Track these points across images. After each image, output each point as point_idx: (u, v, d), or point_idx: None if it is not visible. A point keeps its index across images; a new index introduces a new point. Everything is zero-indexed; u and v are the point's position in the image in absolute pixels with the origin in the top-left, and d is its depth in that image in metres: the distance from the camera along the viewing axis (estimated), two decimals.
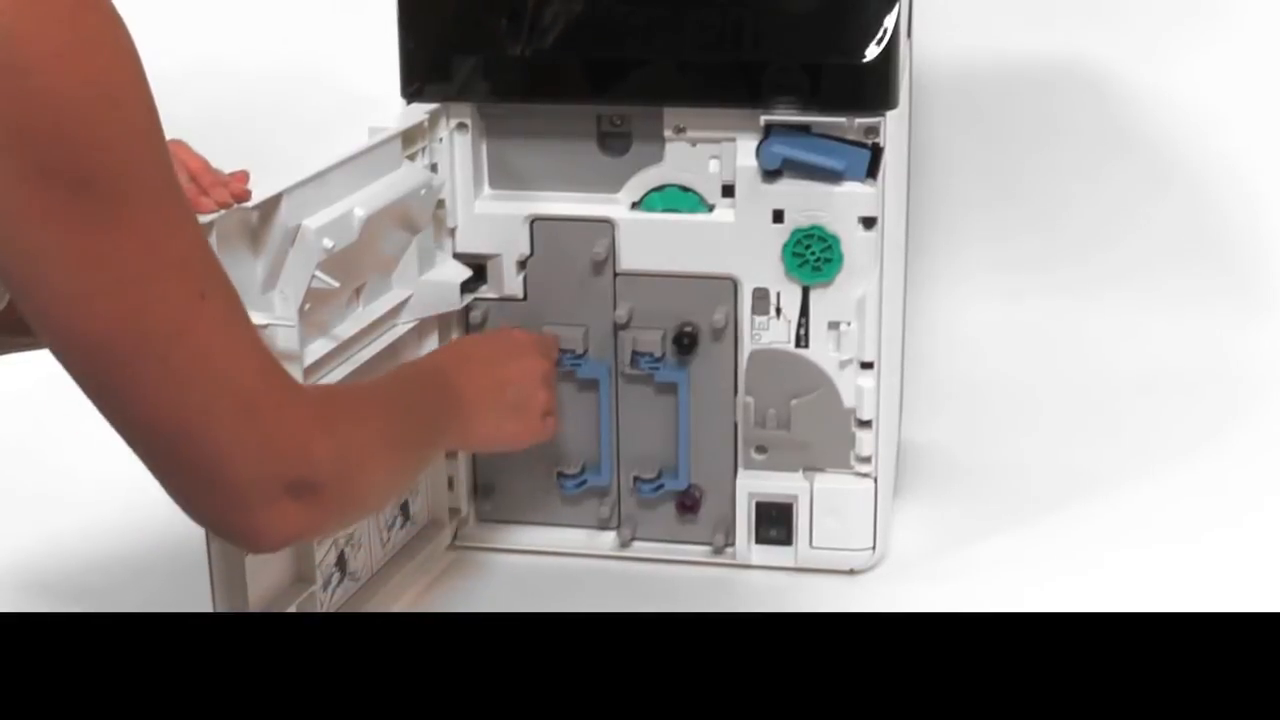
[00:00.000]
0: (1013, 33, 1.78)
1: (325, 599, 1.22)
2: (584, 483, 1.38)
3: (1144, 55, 1.77)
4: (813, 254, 1.28)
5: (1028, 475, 1.52)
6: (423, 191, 1.26)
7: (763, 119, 1.26)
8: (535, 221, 1.33)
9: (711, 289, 1.31)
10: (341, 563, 1.24)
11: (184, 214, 0.89)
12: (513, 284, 1.34)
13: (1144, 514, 1.44)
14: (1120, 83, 1.78)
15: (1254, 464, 1.53)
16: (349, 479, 0.97)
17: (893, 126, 1.25)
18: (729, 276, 1.31)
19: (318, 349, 1.18)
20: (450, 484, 1.38)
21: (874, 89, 1.24)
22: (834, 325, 1.30)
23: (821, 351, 1.31)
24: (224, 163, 1.10)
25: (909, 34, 1.33)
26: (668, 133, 1.30)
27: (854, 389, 1.31)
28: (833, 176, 1.26)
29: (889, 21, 1.23)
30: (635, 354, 1.33)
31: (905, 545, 1.39)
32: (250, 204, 1.08)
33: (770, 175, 1.27)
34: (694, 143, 1.30)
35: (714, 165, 1.30)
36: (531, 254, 1.33)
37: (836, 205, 1.27)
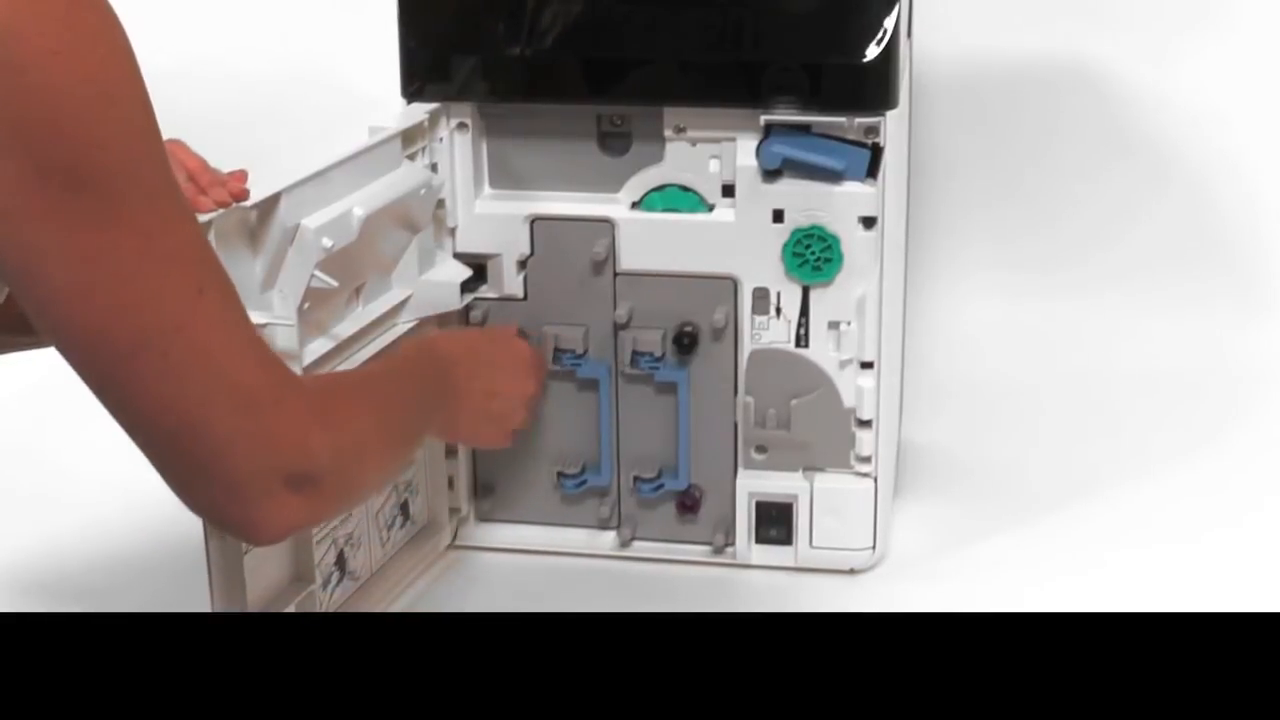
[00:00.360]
0: (1013, 33, 1.78)
1: (324, 598, 1.22)
2: (584, 483, 1.38)
3: (1144, 55, 1.77)
4: (813, 254, 1.28)
5: (1028, 475, 1.52)
6: (423, 191, 1.26)
7: (763, 119, 1.26)
8: (535, 221, 1.33)
9: (711, 289, 1.31)
10: (341, 562, 1.24)
11: (181, 210, 0.90)
12: (513, 284, 1.34)
13: (1144, 514, 1.44)
14: (1120, 83, 1.77)
15: (1254, 464, 1.53)
16: (346, 470, 0.98)
17: (893, 126, 1.25)
18: (729, 276, 1.31)
19: (317, 348, 1.18)
20: (450, 484, 1.38)
21: (874, 89, 1.24)
22: (834, 325, 1.30)
23: (821, 351, 1.31)
24: (224, 162, 1.10)
25: (909, 34, 1.33)
26: (668, 133, 1.30)
27: (854, 389, 1.31)
28: (833, 176, 1.26)
29: (889, 21, 1.23)
30: (635, 354, 1.33)
31: (905, 545, 1.39)
32: (249, 203, 1.08)
33: (770, 175, 1.27)
34: (694, 143, 1.30)
35: (714, 165, 1.30)
36: (531, 254, 1.33)
37: (836, 205, 1.27)
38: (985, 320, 1.80)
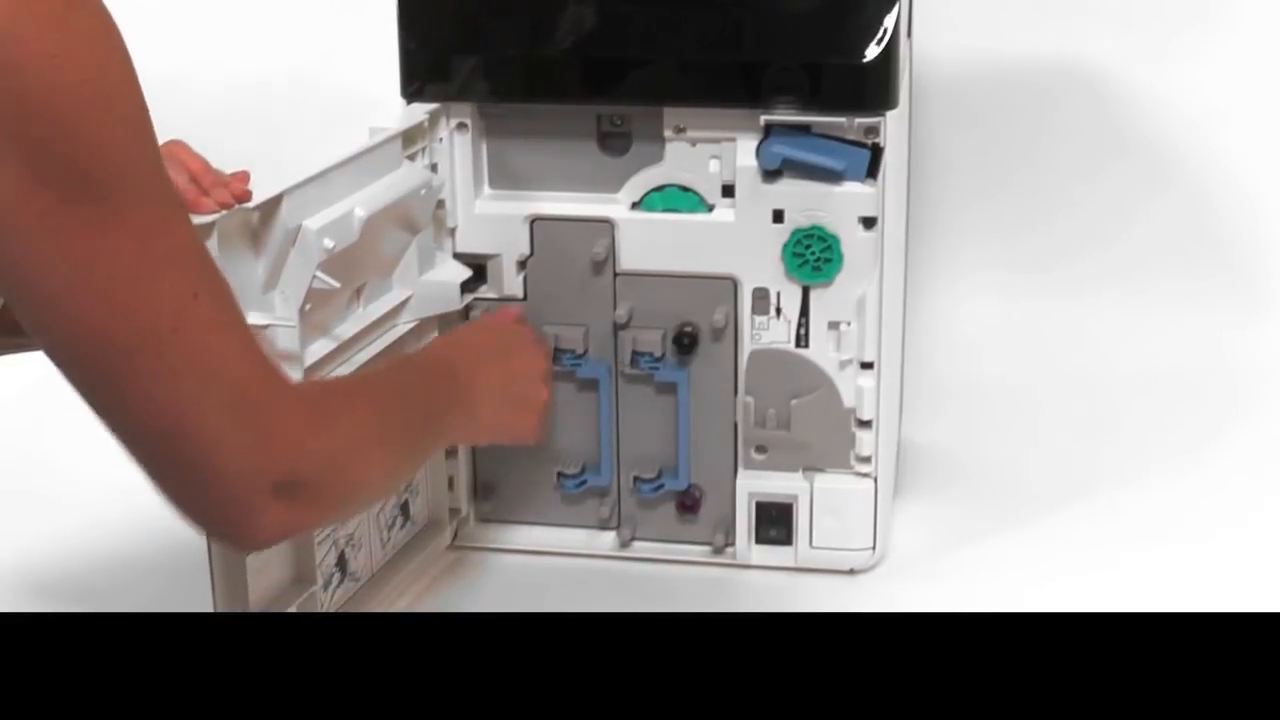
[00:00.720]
0: (1013, 33, 1.78)
1: (325, 599, 1.22)
2: (584, 483, 1.38)
3: (1143, 55, 1.77)
4: (813, 254, 1.28)
5: (1028, 475, 1.52)
6: (423, 191, 1.26)
7: (763, 119, 1.26)
8: (535, 221, 1.33)
9: (711, 289, 1.31)
10: (341, 563, 1.25)
11: (177, 213, 0.89)
12: (513, 284, 1.34)
13: (1143, 514, 1.44)
14: (1119, 83, 1.78)
15: (1254, 463, 1.53)
16: (342, 476, 0.97)
17: (893, 126, 1.25)
18: (729, 276, 1.31)
19: (318, 349, 1.18)
20: (450, 484, 1.38)
21: (874, 89, 1.24)
22: (834, 325, 1.30)
23: (821, 351, 1.31)
24: (224, 163, 1.10)
25: (909, 34, 1.33)
26: (668, 133, 1.30)
27: (854, 389, 1.32)
28: (833, 176, 1.26)
29: (889, 21, 1.23)
30: (635, 354, 1.33)
31: (905, 545, 1.39)
32: (251, 204, 1.08)
33: (770, 175, 1.28)
34: (694, 143, 1.30)
35: (714, 165, 1.30)
36: (531, 254, 1.33)
37: (836, 205, 1.27)
38: (985, 320, 1.80)
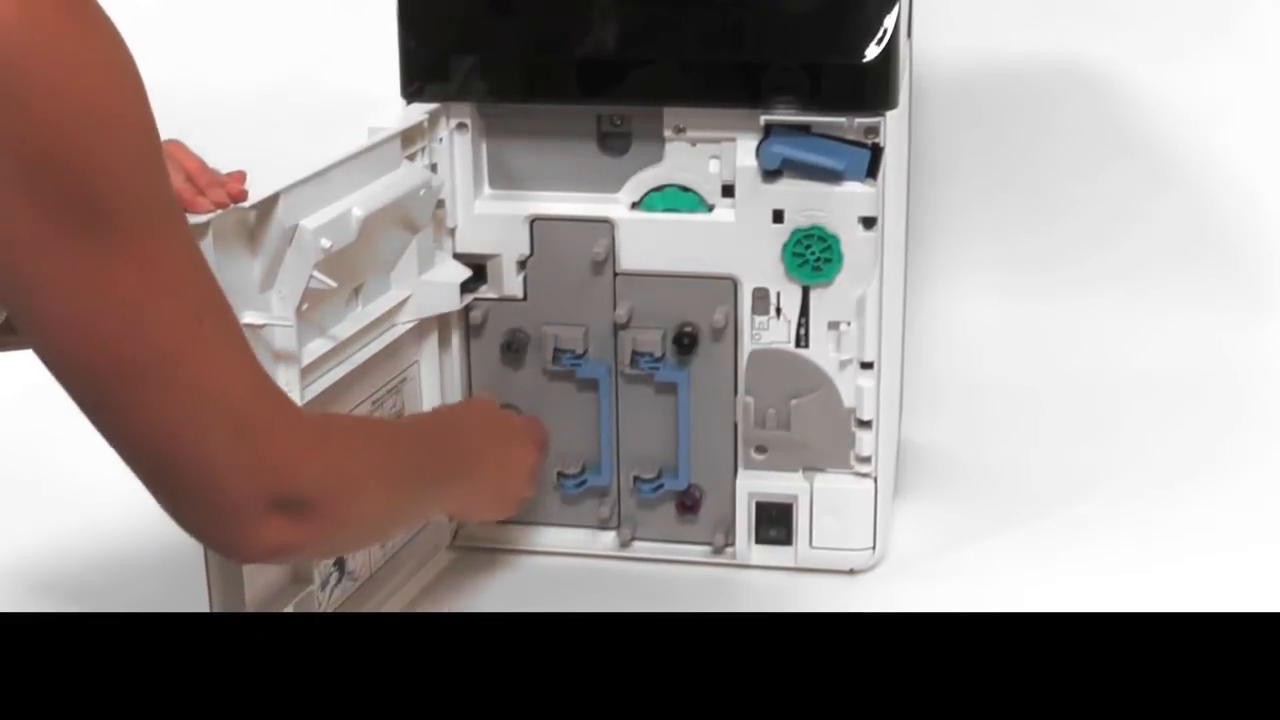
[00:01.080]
0: (1013, 33, 1.77)
1: (323, 599, 1.22)
2: (584, 483, 1.38)
3: (1144, 55, 1.77)
4: (813, 254, 1.28)
5: (1028, 475, 1.51)
6: (422, 191, 1.26)
7: (763, 119, 1.26)
8: (535, 221, 1.33)
9: (711, 289, 1.31)
10: (340, 562, 1.24)
11: (183, 238, 0.90)
12: (513, 284, 1.34)
13: (1143, 514, 1.44)
14: (1120, 83, 1.77)
15: (1254, 464, 1.53)
16: (340, 500, 0.97)
17: (893, 126, 1.25)
18: (729, 276, 1.31)
19: (315, 349, 1.18)
20: None
21: (874, 89, 1.24)
22: (834, 325, 1.30)
23: (821, 351, 1.31)
24: (224, 163, 1.10)
25: (909, 34, 1.33)
26: (668, 133, 1.30)
27: (854, 389, 1.31)
28: (833, 176, 1.26)
29: (889, 21, 1.23)
30: (635, 354, 1.33)
31: (905, 545, 1.39)
32: (247, 204, 1.08)
33: (770, 175, 1.27)
34: (694, 143, 1.30)
35: (714, 165, 1.30)
36: (531, 254, 1.33)
37: (836, 205, 1.27)
38: (985, 320, 1.80)
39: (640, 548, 1.38)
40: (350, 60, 1.78)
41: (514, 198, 1.33)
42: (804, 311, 1.30)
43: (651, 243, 1.31)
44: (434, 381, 1.35)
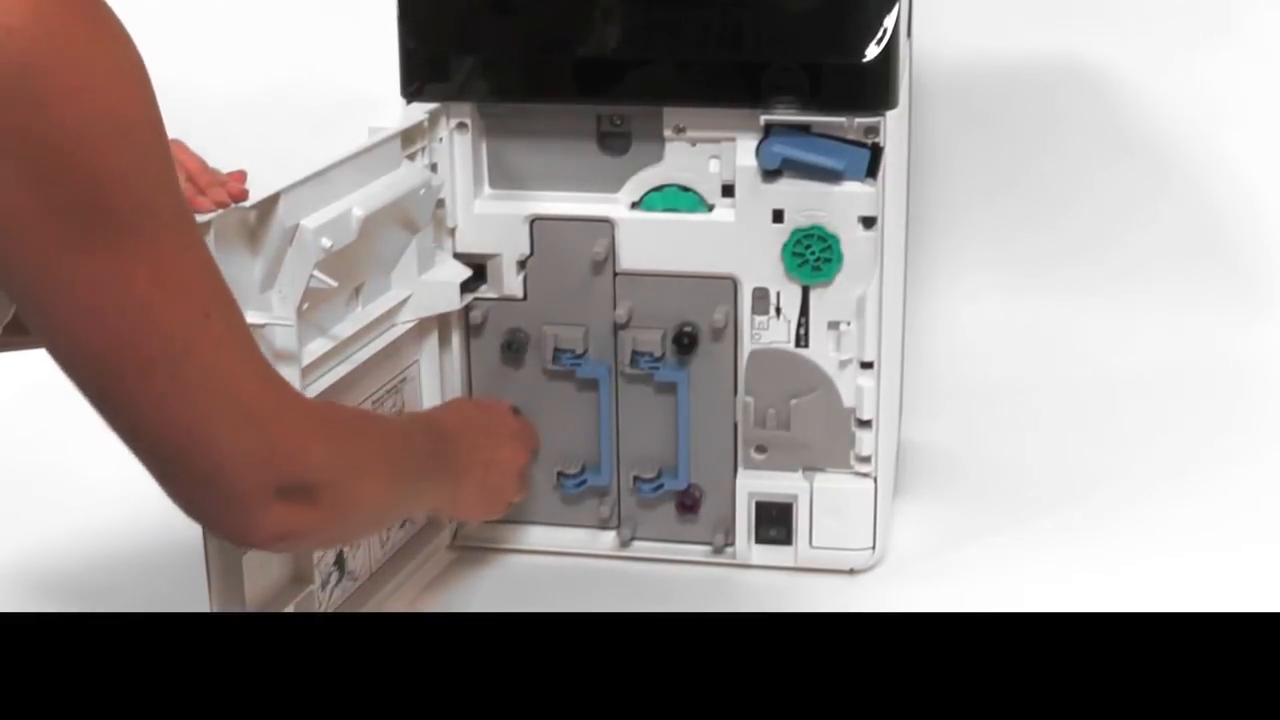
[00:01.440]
0: (1013, 33, 1.77)
1: (324, 599, 1.22)
2: (584, 483, 1.38)
3: (1144, 55, 1.77)
4: (813, 254, 1.28)
5: (1028, 475, 1.51)
6: (422, 191, 1.26)
7: (763, 119, 1.26)
8: (535, 221, 1.33)
9: (711, 289, 1.31)
10: (340, 562, 1.24)
11: (191, 236, 0.92)
12: (513, 284, 1.34)
13: (1143, 513, 1.44)
14: (1120, 83, 1.77)
15: (1254, 464, 1.53)
16: (344, 486, 1.00)
17: (893, 126, 1.25)
18: (729, 276, 1.31)
19: (316, 349, 1.18)
20: None
21: (874, 89, 1.24)
22: (834, 325, 1.30)
23: (821, 351, 1.31)
24: (225, 163, 1.10)
25: (909, 34, 1.33)
26: (668, 133, 1.30)
27: (854, 389, 1.31)
28: (832, 176, 1.26)
29: (889, 21, 1.23)
30: (635, 354, 1.33)
31: (905, 545, 1.39)
32: (248, 203, 1.08)
33: (770, 175, 1.27)
34: (694, 143, 1.30)
35: (714, 165, 1.30)
36: (531, 254, 1.33)
37: (836, 205, 1.27)
38: (985, 320, 1.80)
39: (640, 548, 1.38)
40: (350, 60, 1.78)
41: (514, 198, 1.33)
42: (804, 311, 1.30)
43: (651, 242, 1.31)
44: (434, 381, 1.35)
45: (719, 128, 1.28)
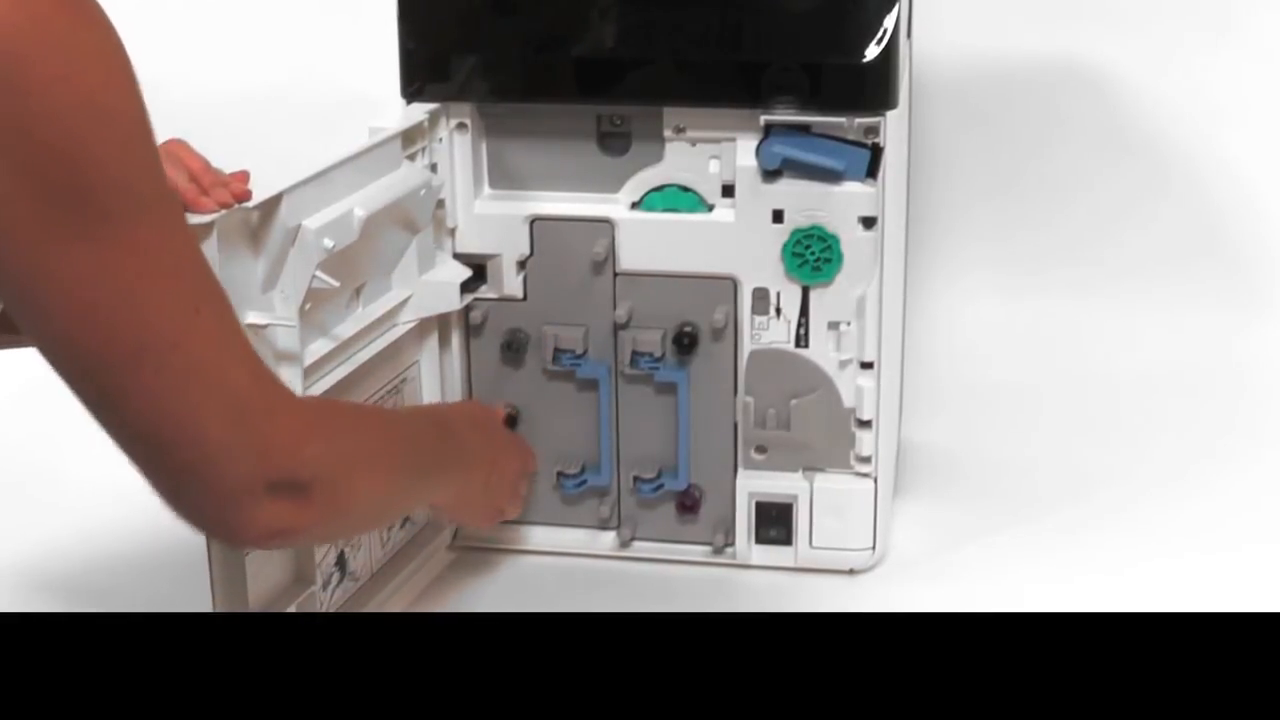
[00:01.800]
0: (1013, 33, 1.78)
1: (325, 599, 1.22)
2: (584, 483, 1.38)
3: (1144, 55, 1.77)
4: (813, 254, 1.28)
5: (1028, 475, 1.52)
6: (422, 191, 1.26)
7: (763, 119, 1.26)
8: (535, 221, 1.33)
9: (711, 289, 1.31)
10: (341, 563, 1.24)
11: (178, 226, 0.90)
12: (513, 284, 1.34)
13: (1144, 514, 1.44)
14: (1120, 83, 1.77)
15: (1254, 464, 1.53)
16: (338, 484, 0.98)
17: (893, 126, 1.25)
18: (729, 276, 1.31)
19: (318, 349, 1.18)
20: None
21: (874, 89, 1.24)
22: (834, 325, 1.30)
23: (821, 351, 1.31)
24: (224, 163, 1.10)
25: (909, 34, 1.33)
26: (668, 133, 1.30)
27: (854, 389, 1.31)
28: (832, 176, 1.26)
29: (889, 21, 1.23)
30: (635, 354, 1.33)
31: (905, 545, 1.39)
32: (250, 204, 1.08)
33: (770, 175, 1.27)
34: (694, 143, 1.30)
35: (714, 165, 1.30)
36: (531, 254, 1.33)
37: (836, 205, 1.27)
38: (985, 320, 1.80)
39: (640, 548, 1.38)
40: (350, 60, 1.78)
41: (514, 198, 1.33)
42: (804, 311, 1.30)
43: (651, 242, 1.31)
44: (434, 382, 1.35)
45: (719, 128, 1.28)
